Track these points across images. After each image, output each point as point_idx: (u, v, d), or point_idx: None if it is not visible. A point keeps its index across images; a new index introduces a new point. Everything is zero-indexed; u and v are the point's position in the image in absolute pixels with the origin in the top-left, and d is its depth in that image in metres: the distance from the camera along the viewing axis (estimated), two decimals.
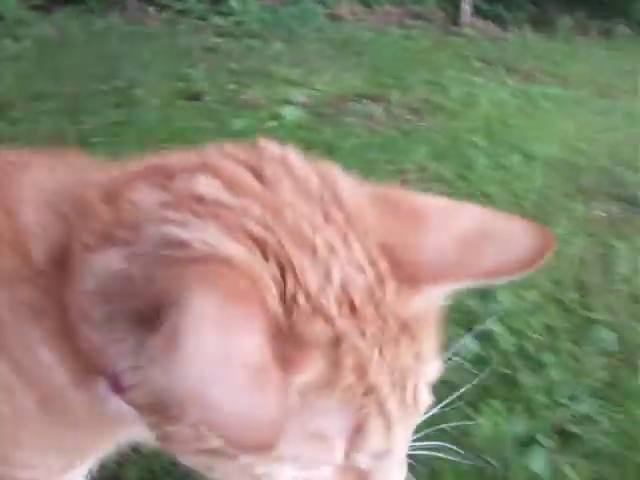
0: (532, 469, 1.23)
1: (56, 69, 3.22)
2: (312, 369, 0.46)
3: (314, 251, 0.49)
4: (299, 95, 2.90)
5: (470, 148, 2.65)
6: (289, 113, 2.66)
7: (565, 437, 1.32)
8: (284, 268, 0.47)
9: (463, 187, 2.31)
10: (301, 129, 2.58)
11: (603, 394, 1.45)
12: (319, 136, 2.53)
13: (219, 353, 0.41)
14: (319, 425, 0.49)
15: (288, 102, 2.81)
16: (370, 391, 0.49)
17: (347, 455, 0.51)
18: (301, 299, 0.47)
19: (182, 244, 0.47)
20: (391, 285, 0.50)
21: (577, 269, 1.98)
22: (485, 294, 1.70)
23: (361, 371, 0.48)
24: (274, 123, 2.58)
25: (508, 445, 1.27)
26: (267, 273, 0.46)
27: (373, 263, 0.50)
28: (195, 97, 2.86)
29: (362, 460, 0.52)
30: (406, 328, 0.51)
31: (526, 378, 1.46)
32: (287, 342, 0.45)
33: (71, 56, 3.55)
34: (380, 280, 0.50)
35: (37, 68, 3.24)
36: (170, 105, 2.78)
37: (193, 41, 4.03)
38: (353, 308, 0.48)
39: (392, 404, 0.51)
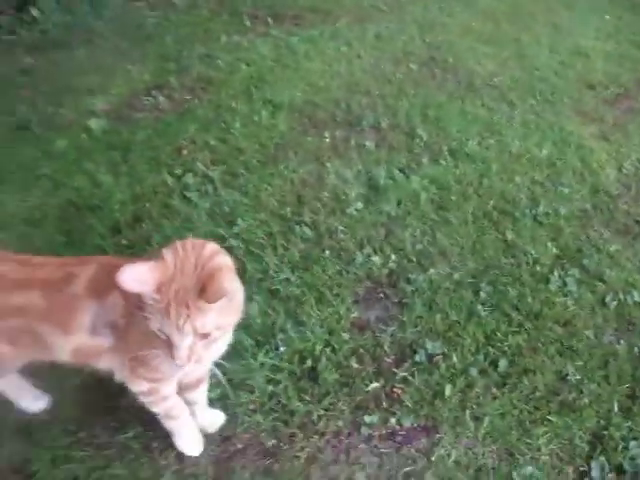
0: None
1: None
2: None
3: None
4: (100, 104, 3.68)
5: (229, 113, 3.57)
6: (95, 124, 3.41)
7: None
8: None
9: (223, 149, 3.25)
10: (105, 135, 3.40)
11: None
12: (118, 137, 3.37)
13: None
14: None
15: (92, 113, 3.57)
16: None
17: None
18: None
19: None
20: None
21: (298, 188, 2.99)
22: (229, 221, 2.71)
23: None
24: (84, 136, 3.37)
25: None
26: None
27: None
28: (24, 127, 3.48)
29: None
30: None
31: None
32: None
33: None
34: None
35: None
36: (7, 139, 3.39)
37: (8, 66, 4.53)
38: None
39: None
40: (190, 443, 1.83)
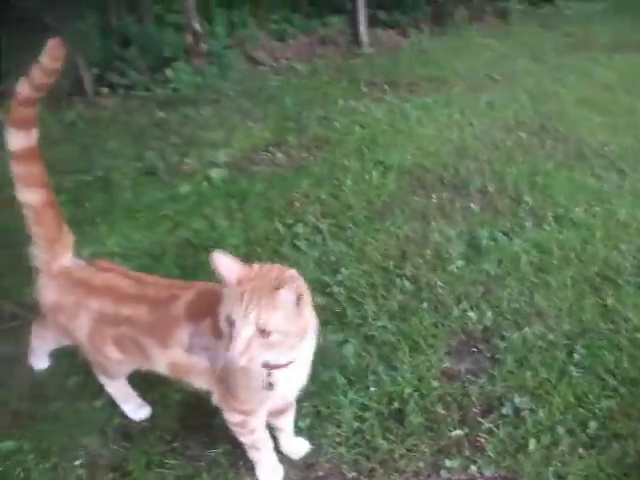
0: None
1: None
2: None
3: None
4: (222, 156, 4.03)
5: (342, 171, 3.80)
6: (216, 173, 3.78)
7: None
8: None
9: (334, 204, 3.46)
10: (224, 184, 3.73)
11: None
12: (236, 187, 3.69)
13: None
14: None
15: (214, 164, 3.93)
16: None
17: None
18: None
19: None
20: None
21: (401, 244, 3.13)
22: (334, 270, 2.88)
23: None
24: (206, 184, 3.73)
25: None
26: None
27: None
28: (152, 172, 3.92)
29: None
30: None
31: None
32: None
33: (53, 151, 4.62)
34: None
35: None
36: (137, 183, 3.85)
37: (142, 118, 5.09)
38: None
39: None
40: (269, 473, 1.94)
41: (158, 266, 2.90)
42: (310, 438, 2.06)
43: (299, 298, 1.54)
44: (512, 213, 3.41)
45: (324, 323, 2.52)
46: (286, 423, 1.98)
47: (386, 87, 5.30)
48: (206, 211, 3.39)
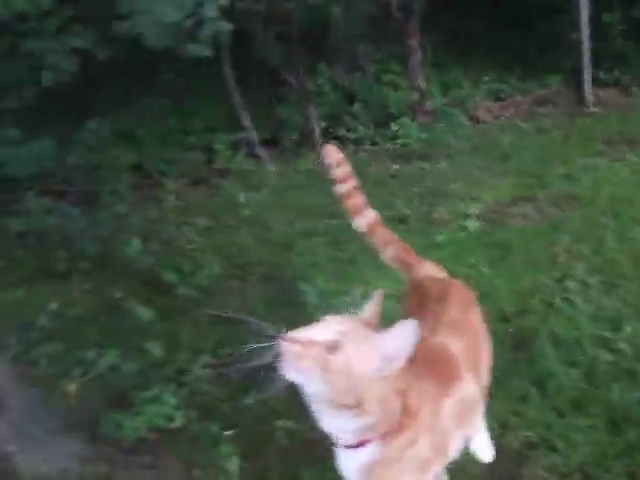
0: None
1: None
2: None
3: None
4: (472, 208, 4.17)
5: (601, 229, 3.76)
6: (470, 224, 3.91)
7: None
8: None
9: (598, 261, 3.44)
10: (481, 235, 3.84)
11: None
12: (493, 238, 3.78)
13: None
14: None
15: (466, 215, 4.07)
16: None
17: None
18: None
19: None
20: None
21: None
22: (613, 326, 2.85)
23: None
24: (463, 234, 3.86)
25: None
26: None
27: None
28: (402, 221, 4.17)
29: None
30: None
31: None
32: None
33: (301, 197, 4.97)
34: None
35: None
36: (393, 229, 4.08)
37: (377, 169, 5.39)
38: None
39: None
40: None
41: None
42: None
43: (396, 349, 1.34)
44: None
45: (613, 380, 2.53)
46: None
47: (624, 146, 5.18)
48: (470, 260, 3.49)
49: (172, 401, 2.44)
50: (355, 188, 2.17)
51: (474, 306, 1.92)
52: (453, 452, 1.67)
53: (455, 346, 1.67)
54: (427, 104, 6.56)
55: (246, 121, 5.88)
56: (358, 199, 2.17)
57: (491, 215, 4.13)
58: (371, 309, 1.48)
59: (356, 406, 1.35)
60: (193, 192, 5.25)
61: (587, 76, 6.66)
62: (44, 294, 3.55)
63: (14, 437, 2.17)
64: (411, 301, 1.94)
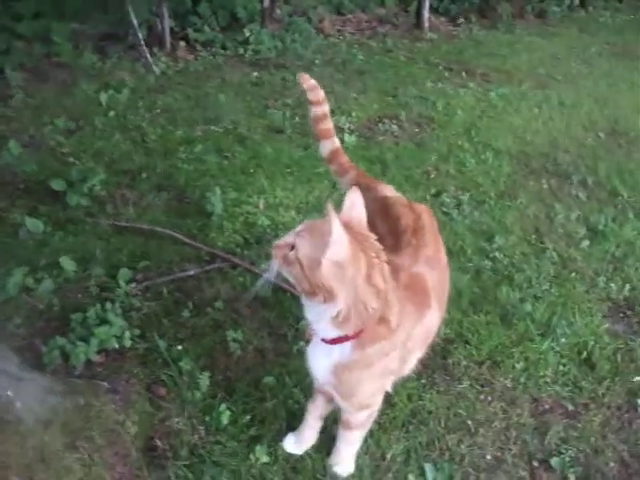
0: None
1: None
2: None
3: None
4: (346, 123, 4.39)
5: (460, 150, 4.22)
6: (347, 138, 4.13)
7: None
8: None
9: (463, 180, 3.88)
10: (360, 149, 4.09)
11: None
12: (370, 153, 4.06)
13: None
14: None
15: (342, 129, 4.27)
16: None
17: None
18: None
19: None
20: None
21: (533, 221, 3.58)
22: (487, 237, 3.31)
23: None
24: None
25: None
26: None
27: None
28: (279, 131, 4.28)
29: None
30: None
31: None
32: None
33: (163, 100, 4.81)
34: None
35: None
36: (269, 139, 4.17)
37: (237, 76, 5.35)
38: None
39: None
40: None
41: None
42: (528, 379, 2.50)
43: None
44: (613, 204, 3.88)
45: (497, 284, 2.98)
46: None
47: (464, 74, 5.68)
48: None
49: (119, 321, 2.37)
50: (325, 114, 2.26)
51: (440, 238, 2.14)
52: (409, 370, 1.98)
53: (429, 279, 1.91)
54: (277, 12, 6.54)
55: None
56: (328, 124, 2.26)
57: (364, 131, 4.39)
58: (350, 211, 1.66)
59: (313, 292, 1.55)
60: (42, 89, 4.82)
61: (427, 1, 7.06)
62: None
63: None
64: (381, 223, 2.03)
